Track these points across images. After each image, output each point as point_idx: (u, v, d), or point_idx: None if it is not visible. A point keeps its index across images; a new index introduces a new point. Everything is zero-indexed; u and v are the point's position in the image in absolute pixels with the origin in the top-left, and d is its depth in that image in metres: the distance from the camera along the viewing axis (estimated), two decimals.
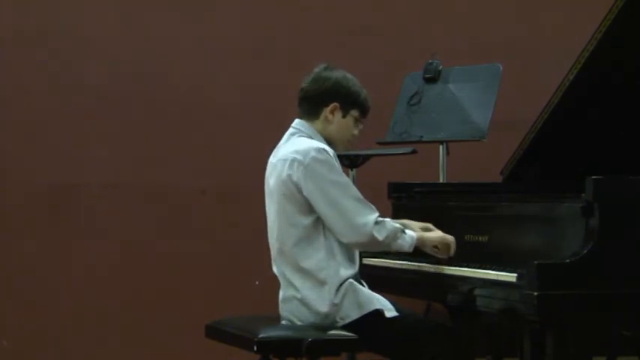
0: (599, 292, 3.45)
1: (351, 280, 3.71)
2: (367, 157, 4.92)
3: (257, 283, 5.31)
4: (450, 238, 3.87)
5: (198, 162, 5.58)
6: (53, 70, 5.48)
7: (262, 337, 3.58)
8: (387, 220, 3.74)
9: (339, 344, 3.63)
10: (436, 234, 3.86)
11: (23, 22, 5.47)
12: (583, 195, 3.50)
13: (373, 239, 3.67)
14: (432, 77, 4.99)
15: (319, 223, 3.70)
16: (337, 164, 3.73)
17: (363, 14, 5.71)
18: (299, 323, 3.72)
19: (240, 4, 5.65)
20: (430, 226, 3.90)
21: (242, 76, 5.61)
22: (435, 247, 3.84)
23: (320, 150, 3.70)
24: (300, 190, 3.69)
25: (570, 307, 3.43)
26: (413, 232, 3.79)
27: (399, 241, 3.73)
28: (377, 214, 3.70)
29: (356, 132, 3.87)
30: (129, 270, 5.47)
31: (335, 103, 3.80)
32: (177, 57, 5.58)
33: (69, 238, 5.47)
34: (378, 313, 3.69)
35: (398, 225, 3.75)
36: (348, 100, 3.82)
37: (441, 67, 4.99)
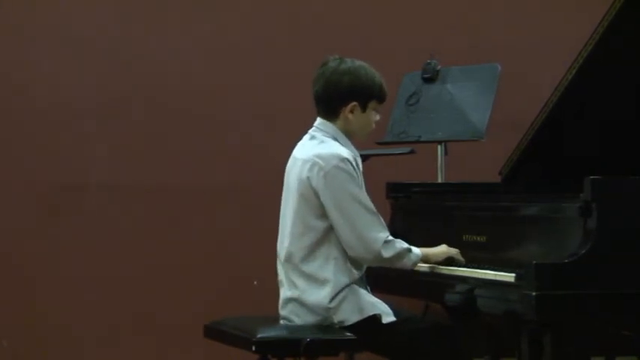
0: (598, 292, 3.45)
1: (352, 284, 3.71)
2: (365, 157, 4.90)
3: (255, 283, 5.31)
4: (453, 251, 3.91)
5: (198, 162, 5.57)
6: (53, 70, 5.48)
7: (261, 337, 3.58)
8: (397, 240, 3.73)
9: (337, 344, 3.63)
10: (440, 250, 3.90)
11: (22, 21, 5.47)
12: (581, 195, 3.51)
13: (379, 256, 3.67)
14: (431, 77, 4.98)
15: (332, 228, 3.68)
16: (358, 176, 3.71)
17: (362, 13, 5.70)
18: (298, 322, 3.72)
19: (241, 4, 5.65)
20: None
21: (242, 76, 5.60)
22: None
23: (343, 159, 3.67)
24: (317, 196, 3.67)
25: (569, 307, 3.43)
26: (418, 250, 3.79)
27: (404, 260, 3.73)
28: (388, 233, 3.70)
29: (377, 118, 3.83)
30: (129, 270, 5.47)
31: (354, 103, 3.75)
32: (177, 56, 5.57)
33: (69, 238, 5.46)
34: (376, 319, 3.69)
35: (405, 245, 3.75)
36: (365, 95, 3.76)
37: (439, 67, 4.98)
